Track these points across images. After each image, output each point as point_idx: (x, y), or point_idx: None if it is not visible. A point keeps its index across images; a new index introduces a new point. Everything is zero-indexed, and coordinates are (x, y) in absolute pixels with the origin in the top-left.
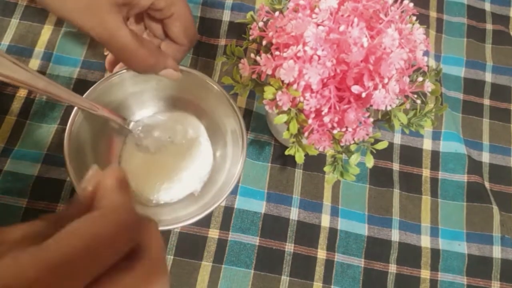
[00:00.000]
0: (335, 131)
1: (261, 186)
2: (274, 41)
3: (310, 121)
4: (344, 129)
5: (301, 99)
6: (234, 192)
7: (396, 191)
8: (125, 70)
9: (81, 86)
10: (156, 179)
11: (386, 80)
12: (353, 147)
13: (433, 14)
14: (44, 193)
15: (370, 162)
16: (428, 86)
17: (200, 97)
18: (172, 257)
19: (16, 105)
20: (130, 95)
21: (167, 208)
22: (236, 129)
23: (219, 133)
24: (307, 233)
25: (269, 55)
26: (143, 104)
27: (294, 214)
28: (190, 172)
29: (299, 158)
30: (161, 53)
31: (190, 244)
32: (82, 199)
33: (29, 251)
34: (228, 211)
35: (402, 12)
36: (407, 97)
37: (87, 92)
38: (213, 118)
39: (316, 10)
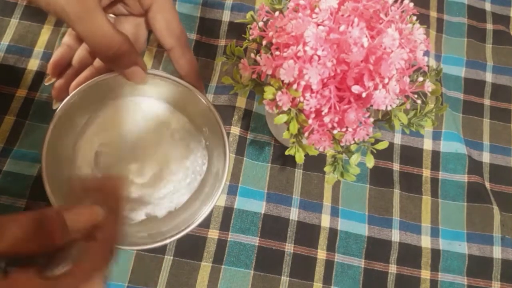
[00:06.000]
0: (335, 131)
1: (261, 186)
2: (274, 41)
3: (310, 121)
4: (344, 129)
5: (301, 99)
6: (233, 192)
7: (396, 191)
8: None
9: None
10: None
11: (386, 80)
12: (353, 147)
13: (433, 14)
14: (44, 193)
15: (370, 162)
16: (428, 86)
17: (180, 99)
18: (171, 257)
19: (16, 105)
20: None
21: (154, 222)
22: (217, 131)
23: (199, 134)
24: (307, 233)
25: (269, 55)
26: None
27: (294, 214)
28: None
29: (299, 158)
30: (134, 46)
31: (190, 244)
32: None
33: None
34: (227, 211)
35: (402, 12)
36: (407, 97)
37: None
38: (192, 118)
39: (316, 10)
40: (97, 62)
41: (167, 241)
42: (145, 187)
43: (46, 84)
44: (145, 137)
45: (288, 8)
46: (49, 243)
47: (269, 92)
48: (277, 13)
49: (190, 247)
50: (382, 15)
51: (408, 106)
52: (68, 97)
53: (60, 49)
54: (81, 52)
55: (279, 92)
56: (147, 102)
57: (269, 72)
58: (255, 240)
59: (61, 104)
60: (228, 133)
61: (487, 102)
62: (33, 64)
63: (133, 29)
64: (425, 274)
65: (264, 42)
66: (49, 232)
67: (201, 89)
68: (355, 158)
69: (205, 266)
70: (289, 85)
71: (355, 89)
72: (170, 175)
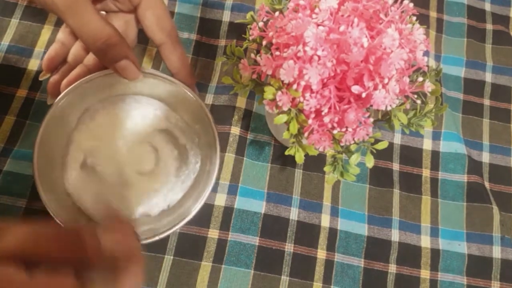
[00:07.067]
0: (335, 131)
1: (261, 186)
2: (274, 41)
3: (310, 121)
4: (344, 129)
5: (301, 99)
6: (234, 192)
7: (396, 191)
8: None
9: None
10: (133, 202)
11: (386, 80)
12: (353, 147)
13: (433, 14)
14: None
15: (370, 162)
16: (428, 86)
17: (169, 97)
18: (172, 257)
19: (16, 105)
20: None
21: (147, 220)
22: (209, 131)
23: (190, 132)
24: (307, 233)
25: (269, 55)
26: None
27: (294, 214)
28: (167, 189)
29: (299, 158)
30: (124, 39)
31: (190, 244)
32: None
33: None
34: (227, 211)
35: (402, 12)
36: (407, 97)
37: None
38: (184, 116)
39: (316, 10)
40: (88, 60)
41: (157, 237)
42: (139, 187)
43: (40, 79)
44: (138, 136)
45: (288, 8)
46: (80, 254)
47: (269, 92)
48: (277, 13)
49: (190, 246)
50: (382, 15)
51: (407, 106)
52: (61, 95)
53: (54, 45)
54: (76, 49)
55: (279, 92)
56: (140, 101)
57: (269, 72)
58: (255, 240)
59: (54, 102)
60: (228, 133)
61: (486, 102)
62: (34, 64)
63: (123, 26)
64: (425, 273)
65: (264, 42)
66: (82, 243)
67: (193, 86)
68: (355, 158)
69: (205, 265)
70: (289, 85)
71: (355, 89)
72: (164, 174)
